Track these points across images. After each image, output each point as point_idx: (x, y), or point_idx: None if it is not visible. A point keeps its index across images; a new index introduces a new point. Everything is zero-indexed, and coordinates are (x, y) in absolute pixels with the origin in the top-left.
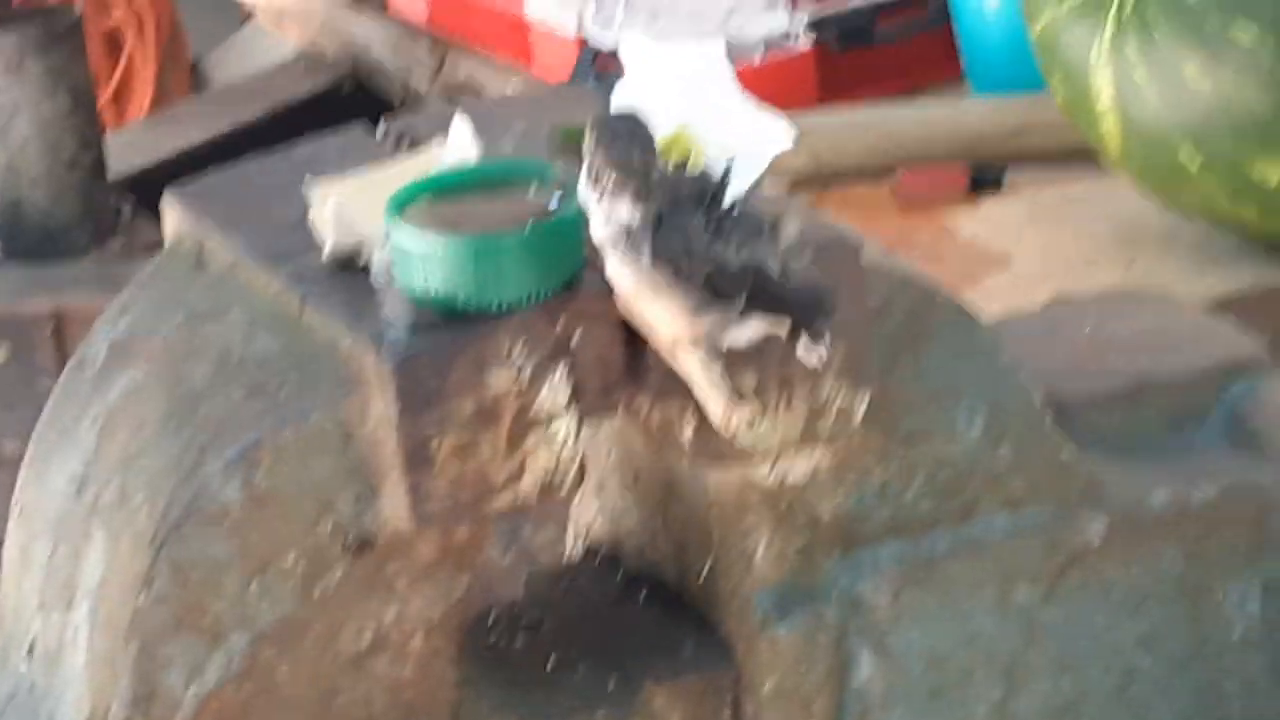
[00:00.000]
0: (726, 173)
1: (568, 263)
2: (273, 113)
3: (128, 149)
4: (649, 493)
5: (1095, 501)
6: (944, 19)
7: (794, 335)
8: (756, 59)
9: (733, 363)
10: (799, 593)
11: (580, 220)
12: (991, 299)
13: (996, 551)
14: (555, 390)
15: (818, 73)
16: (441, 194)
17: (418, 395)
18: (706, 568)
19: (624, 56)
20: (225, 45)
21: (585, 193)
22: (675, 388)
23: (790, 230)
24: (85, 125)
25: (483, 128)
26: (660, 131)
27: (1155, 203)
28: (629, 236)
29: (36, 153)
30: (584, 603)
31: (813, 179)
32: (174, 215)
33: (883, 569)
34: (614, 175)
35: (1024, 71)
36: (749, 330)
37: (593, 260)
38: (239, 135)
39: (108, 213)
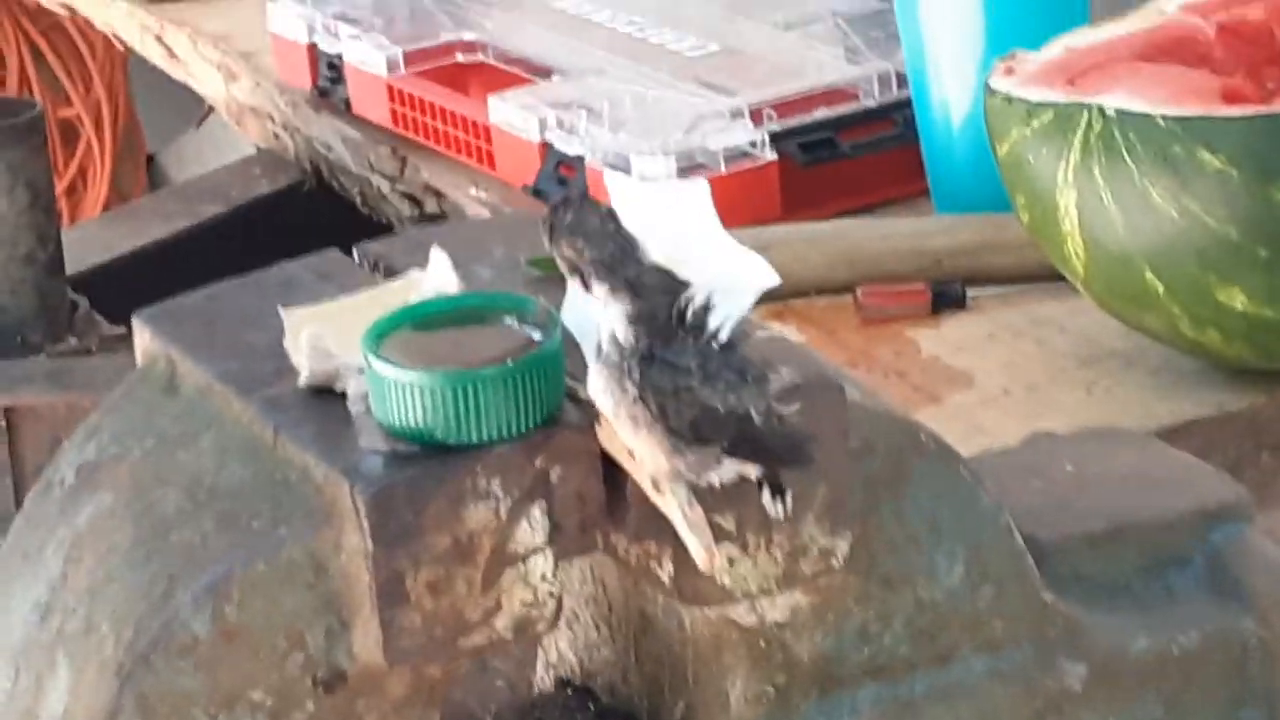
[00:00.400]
0: (709, 307)
1: (548, 397)
2: (232, 211)
3: (84, 245)
4: (623, 627)
5: (1075, 646)
6: (910, 135)
7: (761, 484)
8: (720, 171)
9: (713, 501)
10: None
11: (561, 354)
12: (954, 417)
13: (975, 695)
14: (533, 527)
15: (781, 186)
16: (420, 325)
17: (392, 528)
18: (681, 707)
19: (608, 192)
20: (182, 141)
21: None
22: (654, 525)
23: (781, 378)
24: (43, 221)
25: (460, 254)
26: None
27: (1119, 324)
28: (619, 359)
29: None
30: None
31: (775, 293)
32: (144, 337)
33: (860, 712)
34: (599, 274)
35: (989, 190)
36: (724, 472)
37: (573, 394)
38: (198, 233)
39: (63, 309)
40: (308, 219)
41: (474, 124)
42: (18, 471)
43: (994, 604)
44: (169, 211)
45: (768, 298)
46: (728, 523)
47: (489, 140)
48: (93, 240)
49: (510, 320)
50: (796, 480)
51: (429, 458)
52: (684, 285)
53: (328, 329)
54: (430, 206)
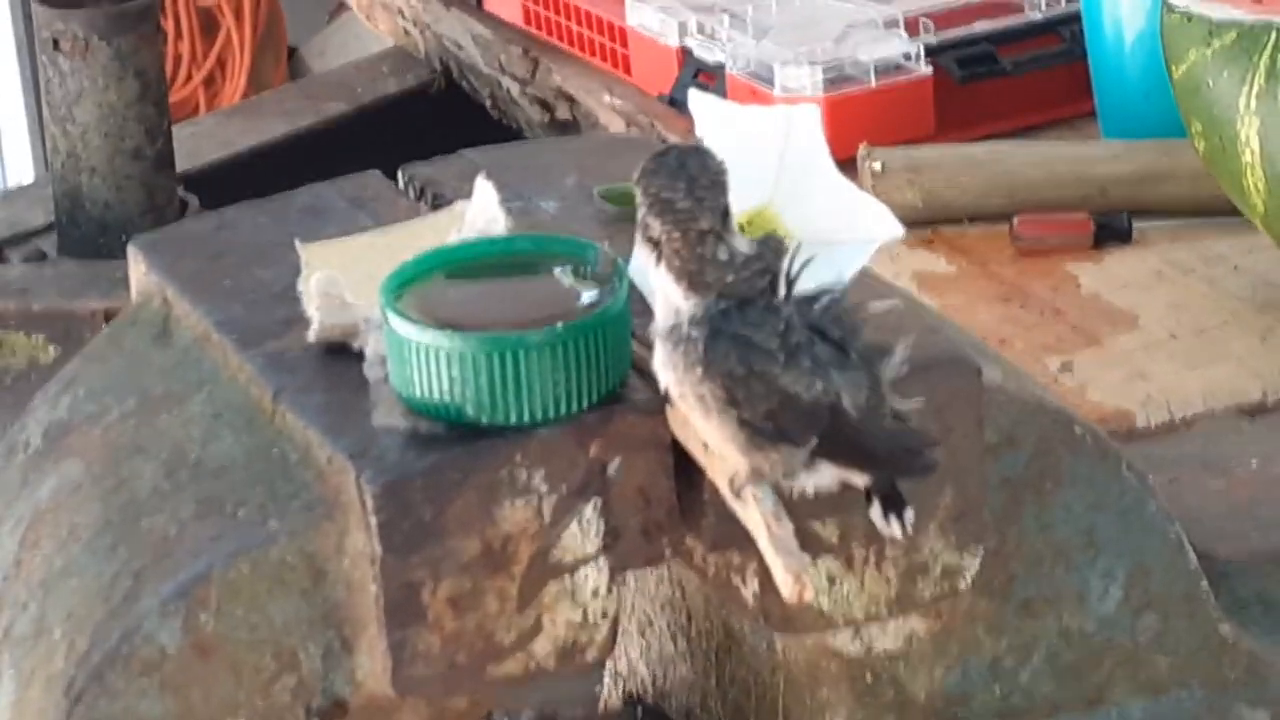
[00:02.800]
0: (792, 262)
1: (607, 370)
2: (357, 110)
3: (199, 140)
4: (704, 642)
5: (1258, 688)
6: (1077, 52)
7: (870, 495)
8: (870, 85)
9: (809, 505)
10: None
11: (626, 316)
12: (1114, 362)
13: None
14: (584, 530)
15: (935, 103)
16: (454, 273)
17: (407, 529)
18: None
19: (694, 115)
20: (325, 34)
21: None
22: (737, 532)
23: (895, 359)
24: (153, 114)
25: (523, 183)
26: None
27: None
28: (681, 326)
29: (99, 141)
30: None
31: (924, 218)
32: (140, 268)
33: None
34: (668, 226)
35: (1161, 115)
36: (820, 477)
37: (640, 367)
38: (320, 132)
39: (171, 208)
40: (436, 121)
41: (610, 26)
42: None
43: (1159, 636)
44: (291, 108)
45: (917, 224)
46: (828, 532)
47: (625, 44)
48: (209, 136)
49: (565, 272)
50: (915, 485)
51: (456, 441)
52: (777, 243)
53: (349, 271)
54: (561, 113)
